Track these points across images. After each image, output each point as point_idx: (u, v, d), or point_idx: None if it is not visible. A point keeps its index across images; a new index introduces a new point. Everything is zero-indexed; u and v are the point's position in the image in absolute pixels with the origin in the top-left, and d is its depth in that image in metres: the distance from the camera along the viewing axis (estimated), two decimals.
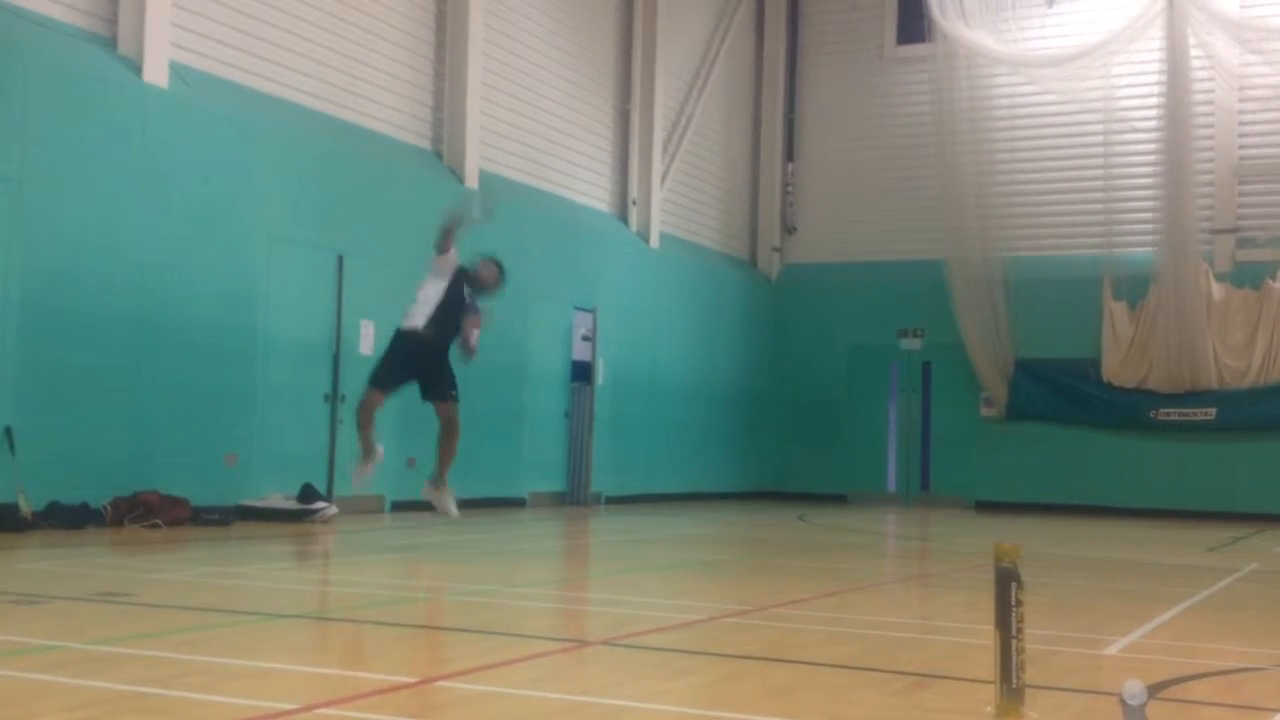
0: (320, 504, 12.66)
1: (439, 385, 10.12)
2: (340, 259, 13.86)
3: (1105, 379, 20.55)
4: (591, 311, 18.10)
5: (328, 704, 4.04)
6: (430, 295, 10.05)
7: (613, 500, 18.29)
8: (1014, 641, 3.96)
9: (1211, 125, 20.34)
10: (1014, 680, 3.96)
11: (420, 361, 10.05)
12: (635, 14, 19.68)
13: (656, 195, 19.96)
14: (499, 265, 10.43)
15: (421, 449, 14.93)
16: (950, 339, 21.25)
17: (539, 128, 17.69)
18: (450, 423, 10.20)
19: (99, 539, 10.12)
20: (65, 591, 6.77)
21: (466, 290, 10.15)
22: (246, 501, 12.48)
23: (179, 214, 12.11)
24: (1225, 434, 19.84)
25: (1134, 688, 3.87)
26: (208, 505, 11.80)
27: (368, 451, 10.26)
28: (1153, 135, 20.25)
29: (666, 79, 20.26)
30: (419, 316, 10.00)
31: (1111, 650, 5.78)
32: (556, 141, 18.07)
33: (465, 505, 15.37)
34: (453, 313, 10.03)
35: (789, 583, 8.79)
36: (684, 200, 21.22)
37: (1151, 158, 20.35)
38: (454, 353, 10.29)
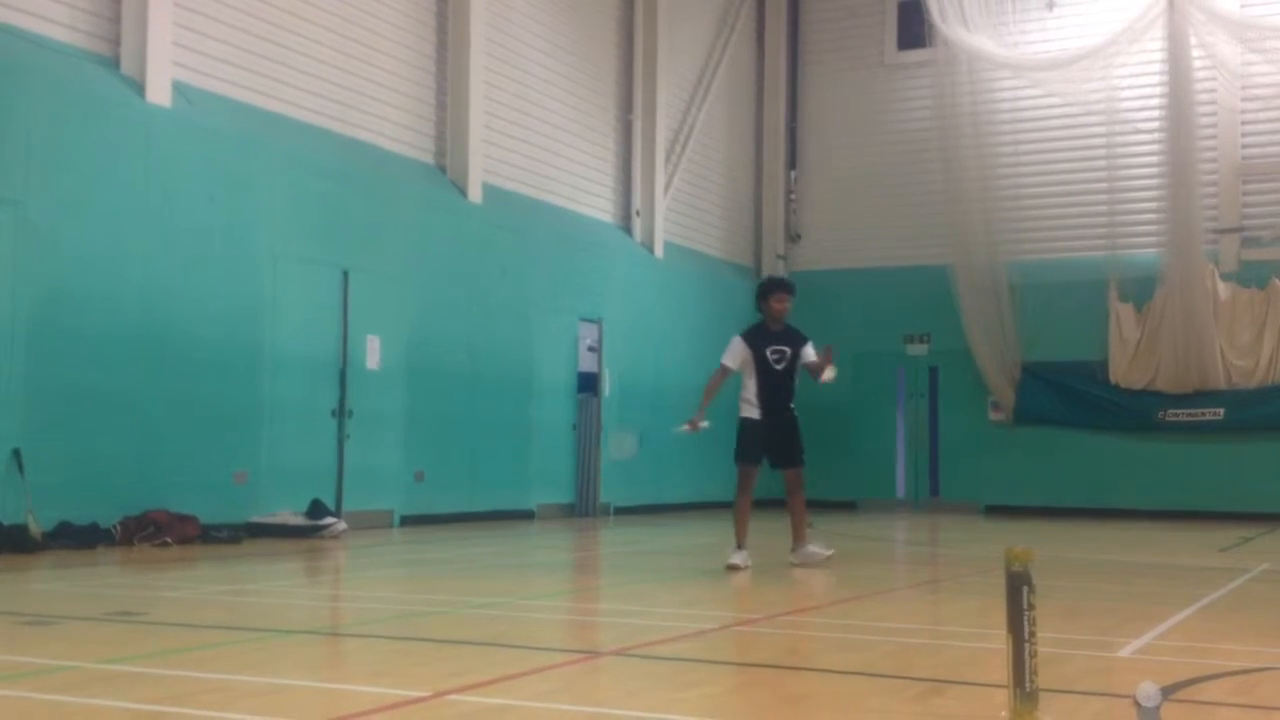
0: (329, 519, 12.65)
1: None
2: (345, 274, 13.88)
3: (1113, 381, 20.50)
4: (597, 322, 18.11)
5: (342, 719, 4.06)
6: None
7: (621, 511, 18.28)
8: (1027, 645, 3.95)
9: (1214, 125, 20.32)
10: (1028, 684, 3.96)
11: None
12: (636, 25, 19.70)
13: (660, 205, 19.97)
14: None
15: (428, 463, 14.99)
16: (957, 344, 21.21)
17: (542, 140, 17.71)
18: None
19: (109, 558, 10.13)
20: (77, 612, 6.78)
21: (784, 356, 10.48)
22: (256, 518, 12.49)
23: (184, 232, 12.13)
24: (1234, 434, 19.79)
25: (1148, 690, 3.85)
26: (217, 523, 11.82)
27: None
28: (1155, 136, 20.23)
29: (668, 89, 20.28)
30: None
31: (1125, 652, 5.76)
32: (559, 153, 18.09)
33: (474, 518, 15.44)
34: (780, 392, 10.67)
35: (799, 590, 8.78)
36: (688, 209, 21.22)
37: (1155, 158, 20.31)
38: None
